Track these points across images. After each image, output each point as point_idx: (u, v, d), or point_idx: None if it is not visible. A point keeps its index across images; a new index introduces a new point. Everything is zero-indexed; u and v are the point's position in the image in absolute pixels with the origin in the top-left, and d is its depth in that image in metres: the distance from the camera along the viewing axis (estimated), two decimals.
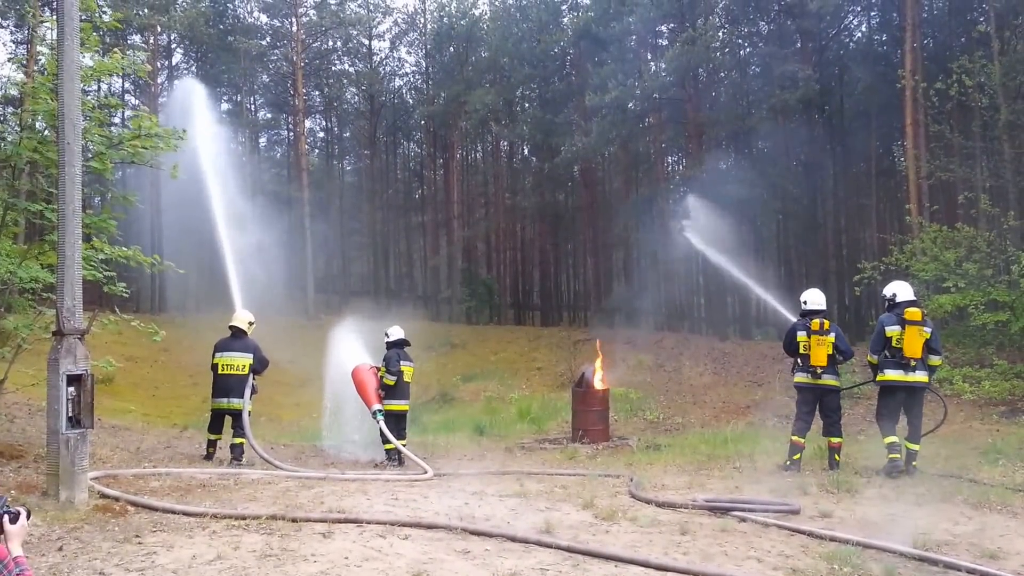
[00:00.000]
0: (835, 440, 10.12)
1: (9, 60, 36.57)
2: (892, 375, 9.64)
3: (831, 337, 10.06)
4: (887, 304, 10.07)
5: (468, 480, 9.53)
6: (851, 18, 33.02)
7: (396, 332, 12.03)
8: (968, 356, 17.32)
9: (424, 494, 8.30)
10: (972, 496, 8.18)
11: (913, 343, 9.49)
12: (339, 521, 6.60)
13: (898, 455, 9.39)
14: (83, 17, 7.94)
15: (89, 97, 11.52)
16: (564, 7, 39.94)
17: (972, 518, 7.34)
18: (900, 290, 10.02)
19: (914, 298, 10.04)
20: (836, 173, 32.89)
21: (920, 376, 9.60)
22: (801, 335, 10.18)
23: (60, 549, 5.67)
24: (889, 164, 33.93)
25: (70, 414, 7.05)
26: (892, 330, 9.61)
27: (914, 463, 9.58)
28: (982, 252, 17.38)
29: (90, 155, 9.37)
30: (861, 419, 15.56)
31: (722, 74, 34.56)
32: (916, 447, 9.65)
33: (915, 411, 9.71)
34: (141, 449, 11.54)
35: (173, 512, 6.82)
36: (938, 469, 9.82)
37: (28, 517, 3.41)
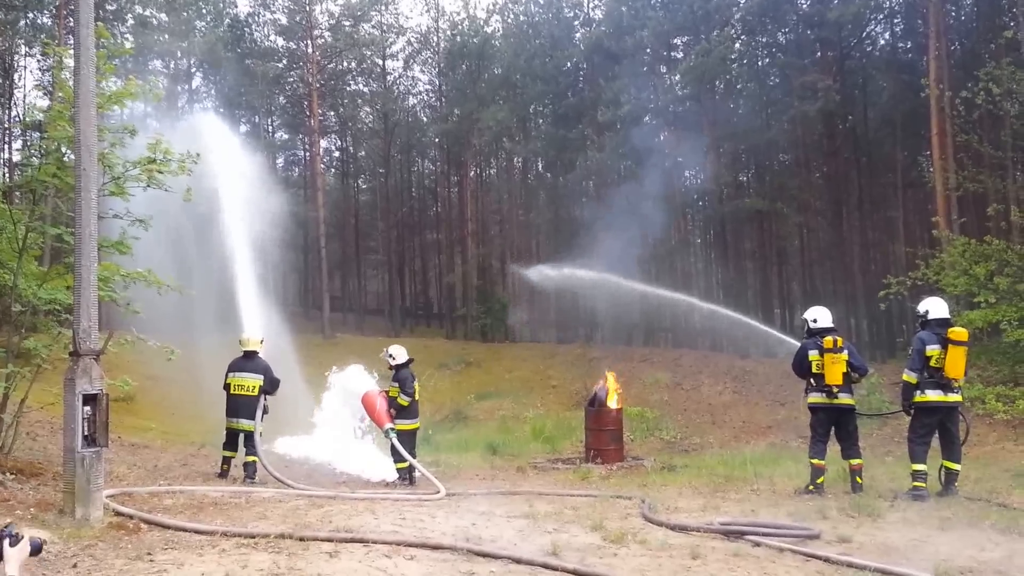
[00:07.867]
0: (855, 462, 9.75)
1: (36, 86, 37.29)
2: (932, 396, 9.28)
3: (845, 355, 9.76)
4: (920, 321, 9.73)
5: (477, 500, 9.51)
6: (873, 26, 32.25)
7: (402, 353, 11.94)
8: (1001, 374, 16.86)
9: (432, 514, 8.32)
10: (1001, 521, 7.79)
11: (957, 363, 9.15)
12: (346, 540, 6.63)
13: (924, 484, 9.09)
14: (100, 45, 8.12)
15: (112, 123, 11.70)
16: (576, 23, 40.16)
17: (1000, 544, 6.99)
18: (933, 306, 9.67)
19: (947, 316, 9.69)
20: (861, 185, 32.14)
21: (958, 397, 9.38)
22: (813, 354, 9.88)
23: (74, 566, 5.76)
24: (917, 175, 32.88)
25: (85, 433, 7.16)
26: (932, 349, 9.26)
27: (956, 484, 9.31)
28: (1014, 266, 16.90)
29: (108, 179, 9.54)
30: (888, 439, 15.23)
31: (739, 86, 34.25)
32: (958, 467, 9.39)
33: (952, 431, 9.41)
34: (158, 467, 11.67)
35: (185, 530, 6.89)
36: (967, 492, 9.43)
37: (18, 543, 3.33)
